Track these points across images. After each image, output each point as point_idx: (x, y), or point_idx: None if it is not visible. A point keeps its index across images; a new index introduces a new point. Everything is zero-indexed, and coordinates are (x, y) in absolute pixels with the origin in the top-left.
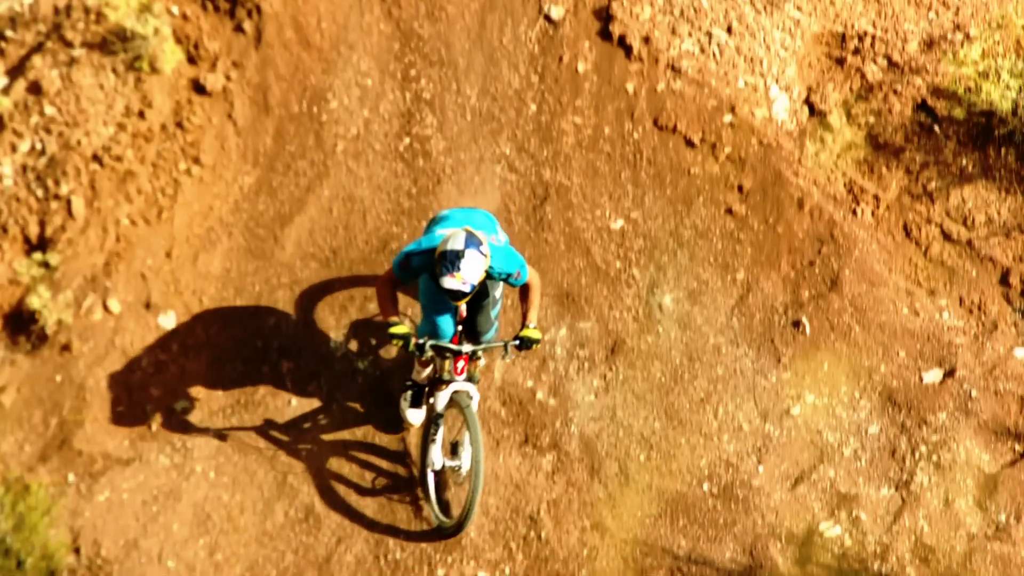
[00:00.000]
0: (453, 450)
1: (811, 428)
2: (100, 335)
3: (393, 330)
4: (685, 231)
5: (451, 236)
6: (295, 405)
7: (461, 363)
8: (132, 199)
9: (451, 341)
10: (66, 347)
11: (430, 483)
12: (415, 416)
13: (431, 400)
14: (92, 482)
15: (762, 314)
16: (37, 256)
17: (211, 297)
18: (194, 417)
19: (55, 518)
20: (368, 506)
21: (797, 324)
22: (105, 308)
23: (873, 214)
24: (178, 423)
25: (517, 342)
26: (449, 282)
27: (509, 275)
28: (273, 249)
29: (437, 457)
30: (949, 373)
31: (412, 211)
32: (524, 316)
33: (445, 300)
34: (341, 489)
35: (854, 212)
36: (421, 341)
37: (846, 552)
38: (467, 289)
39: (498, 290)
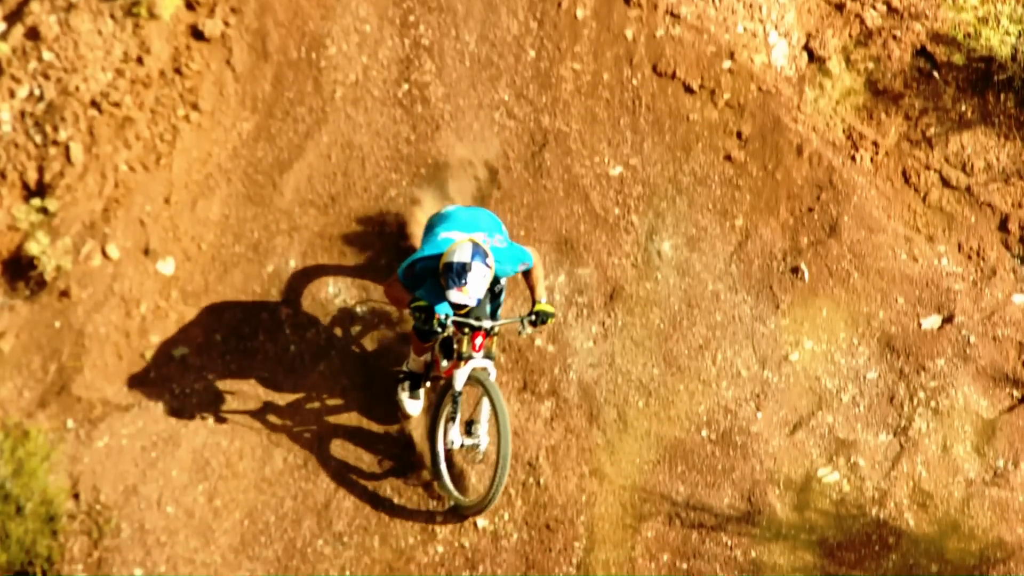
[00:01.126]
0: (468, 429)
1: (809, 374)
2: (99, 281)
3: (416, 304)
4: (684, 178)
5: (457, 247)
6: (294, 351)
7: (479, 340)
8: (130, 145)
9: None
10: (65, 293)
11: (442, 464)
12: (413, 406)
13: (428, 386)
14: (91, 428)
15: (761, 260)
16: (35, 202)
17: (210, 243)
18: (193, 363)
19: (54, 464)
20: (366, 452)
21: (796, 270)
22: (104, 254)
23: (872, 160)
24: (177, 369)
25: (533, 317)
26: (455, 296)
27: (515, 271)
28: (272, 195)
29: (456, 436)
30: (947, 319)
31: (411, 157)
32: (532, 292)
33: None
34: (340, 435)
35: (853, 158)
36: (443, 315)
37: (844, 498)
38: (473, 303)
39: (503, 279)
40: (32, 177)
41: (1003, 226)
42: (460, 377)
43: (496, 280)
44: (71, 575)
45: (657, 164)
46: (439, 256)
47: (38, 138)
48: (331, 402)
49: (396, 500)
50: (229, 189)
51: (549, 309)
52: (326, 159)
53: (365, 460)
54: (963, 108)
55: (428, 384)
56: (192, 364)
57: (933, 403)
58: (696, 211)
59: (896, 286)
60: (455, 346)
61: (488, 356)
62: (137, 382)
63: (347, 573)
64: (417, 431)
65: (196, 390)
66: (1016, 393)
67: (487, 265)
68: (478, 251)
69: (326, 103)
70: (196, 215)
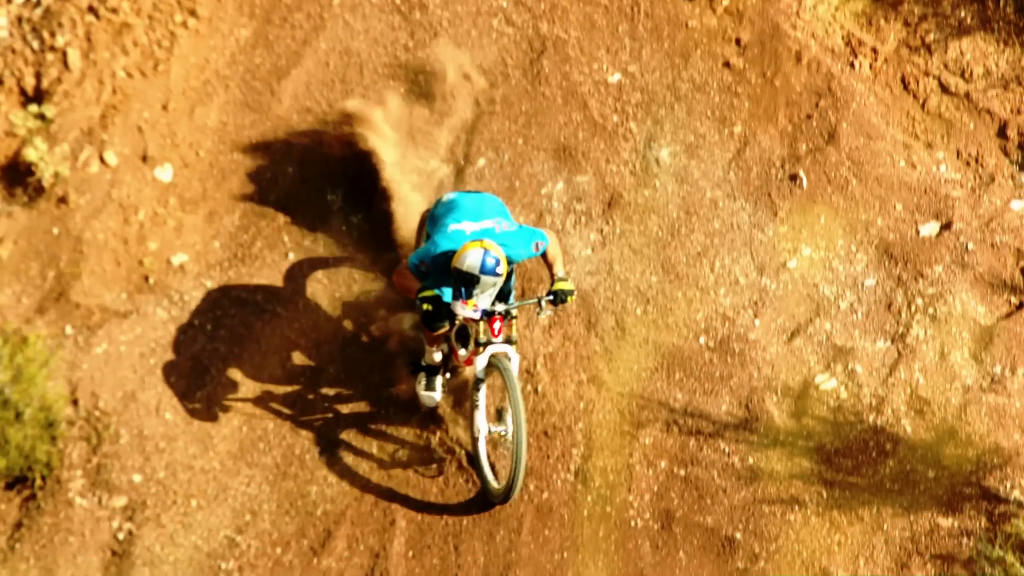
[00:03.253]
0: (499, 416)
1: (807, 282)
2: (97, 188)
3: (424, 294)
4: (682, 85)
5: (467, 253)
6: (292, 258)
7: (497, 324)
8: (128, 51)
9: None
10: (63, 199)
11: (481, 450)
12: (431, 398)
13: (448, 377)
14: (90, 335)
15: (759, 168)
16: (33, 108)
17: (208, 150)
18: (191, 270)
19: (53, 370)
20: (367, 357)
21: (794, 178)
22: (102, 161)
23: (871, 67)
24: (175, 276)
25: (551, 296)
26: (461, 309)
27: (531, 255)
28: (270, 103)
29: (482, 423)
30: (946, 226)
31: (409, 64)
32: (551, 269)
33: (449, 276)
34: (340, 342)
35: (852, 65)
36: (451, 303)
37: (841, 405)
38: (478, 316)
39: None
40: (29, 83)
41: (1002, 133)
42: (480, 364)
43: (508, 260)
44: (70, 481)
45: (655, 71)
46: (450, 251)
47: (35, 44)
48: (330, 307)
49: (393, 412)
50: (227, 96)
51: (568, 286)
52: (324, 66)
53: (365, 367)
54: (962, 14)
55: (448, 376)
56: (190, 271)
57: (931, 310)
58: (694, 118)
59: (894, 193)
60: (471, 334)
61: (509, 341)
62: (135, 289)
63: (344, 479)
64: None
65: (195, 297)
66: (1014, 300)
67: (497, 273)
68: (488, 260)
69: (324, 9)
70: (194, 122)
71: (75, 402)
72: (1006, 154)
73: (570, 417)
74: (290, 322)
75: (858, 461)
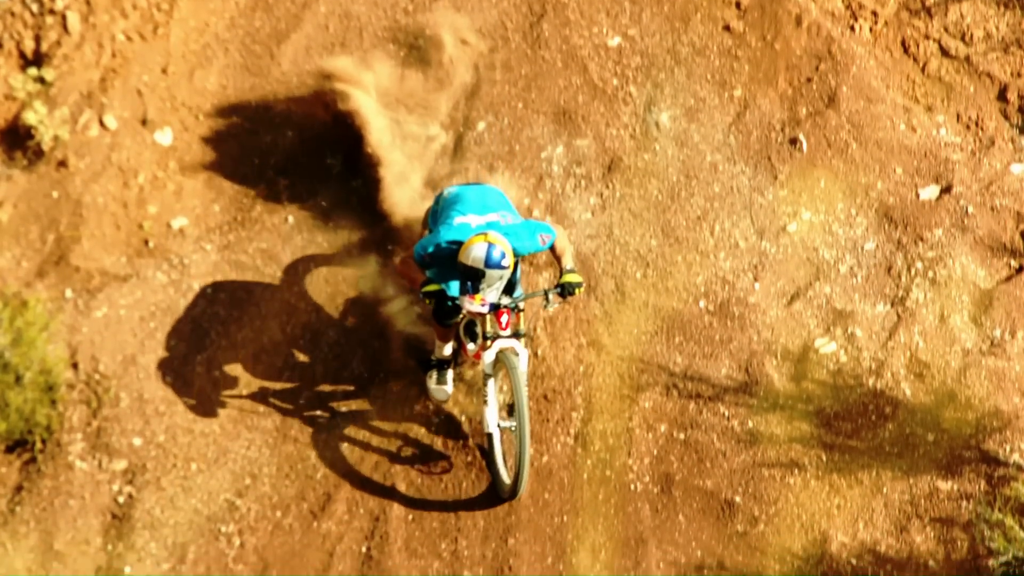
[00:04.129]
0: (511, 411)
1: (807, 245)
2: (96, 151)
3: (427, 288)
4: (682, 48)
5: (472, 247)
6: (292, 222)
7: (505, 318)
8: (127, 14)
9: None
10: (63, 163)
11: (494, 445)
12: (442, 393)
13: (458, 368)
14: (90, 298)
15: (759, 131)
16: (32, 71)
17: (207, 114)
18: (191, 234)
19: (53, 333)
20: (367, 322)
21: (794, 141)
22: (101, 124)
23: (871, 30)
24: (175, 240)
25: (559, 289)
26: (468, 304)
27: (538, 248)
28: (269, 66)
29: (492, 419)
30: (946, 189)
31: (408, 28)
32: (559, 262)
33: (455, 269)
34: (339, 304)
35: (852, 28)
36: (457, 298)
37: (841, 368)
38: (486, 311)
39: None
40: (29, 46)
41: (1002, 96)
42: (487, 359)
43: (513, 253)
44: (70, 444)
45: (656, 35)
46: (456, 243)
47: (35, 7)
48: (330, 271)
49: (392, 377)
50: (227, 59)
51: (576, 279)
52: (324, 29)
53: (365, 329)
54: None
55: (458, 369)
56: (190, 234)
57: (931, 273)
58: (694, 82)
59: (894, 156)
60: (478, 328)
61: (517, 334)
62: (135, 252)
63: (344, 443)
64: None
65: (194, 260)
66: (1013, 263)
67: (503, 267)
68: (492, 251)
69: None
70: (194, 85)
71: (75, 366)
72: (1006, 117)
73: (570, 381)
74: (290, 286)
75: (857, 424)
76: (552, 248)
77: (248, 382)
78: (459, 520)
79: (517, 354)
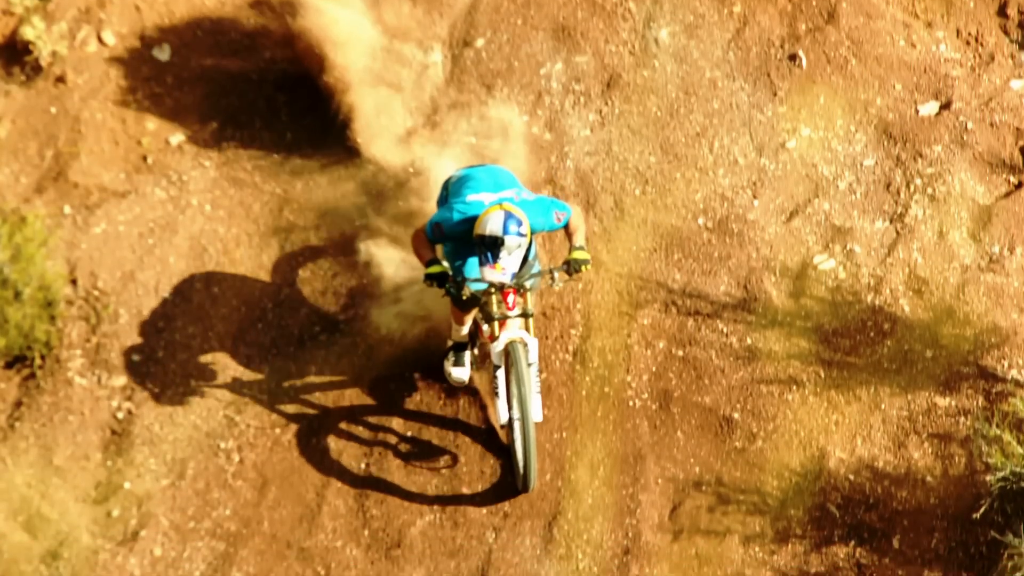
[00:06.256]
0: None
1: (806, 162)
2: (95, 67)
3: (430, 270)
4: None
5: (489, 217)
6: (290, 138)
7: (511, 298)
8: None
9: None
10: (61, 79)
11: (515, 437)
12: (461, 374)
13: (476, 352)
14: (88, 214)
15: (759, 48)
16: None
17: (206, 30)
18: (189, 150)
19: (52, 249)
20: (367, 238)
21: (793, 57)
22: (100, 40)
23: None
24: (173, 156)
25: (565, 266)
26: (489, 274)
27: (552, 226)
28: None
29: (503, 409)
30: (945, 105)
31: None
32: (570, 239)
33: (471, 246)
34: (339, 221)
35: None
36: (459, 279)
37: (840, 285)
38: (508, 279)
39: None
40: None
41: (1002, 11)
42: (495, 350)
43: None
44: (69, 360)
45: None
46: (471, 219)
47: None
48: (329, 187)
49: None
50: None
51: (583, 256)
52: None
53: (363, 251)
54: None
55: (476, 351)
56: (188, 151)
57: (930, 190)
58: None
59: (894, 72)
60: (487, 307)
61: (525, 314)
62: (134, 168)
63: (343, 358)
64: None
65: (193, 177)
66: (1012, 179)
67: (521, 234)
68: (511, 220)
69: None
70: (192, 1)
71: (74, 282)
72: (1006, 33)
73: (568, 298)
74: (289, 202)
75: (856, 341)
76: (567, 226)
77: (246, 299)
78: (457, 440)
79: (525, 344)
